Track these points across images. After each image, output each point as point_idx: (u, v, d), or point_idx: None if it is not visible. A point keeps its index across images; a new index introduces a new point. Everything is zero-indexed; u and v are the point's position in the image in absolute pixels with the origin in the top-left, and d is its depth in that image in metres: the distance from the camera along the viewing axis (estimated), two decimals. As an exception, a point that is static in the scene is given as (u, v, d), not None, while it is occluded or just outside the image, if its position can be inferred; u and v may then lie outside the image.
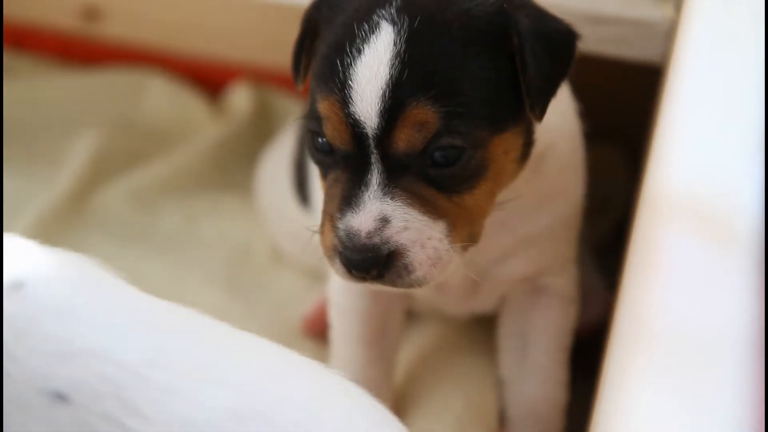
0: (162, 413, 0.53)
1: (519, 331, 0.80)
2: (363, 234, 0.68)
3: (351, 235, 0.68)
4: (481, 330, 0.85)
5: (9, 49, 1.35)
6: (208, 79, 1.27)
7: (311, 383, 0.61)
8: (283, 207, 1.00)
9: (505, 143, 0.68)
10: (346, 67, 0.68)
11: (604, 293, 0.89)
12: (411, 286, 0.70)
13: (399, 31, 0.66)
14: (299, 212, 0.97)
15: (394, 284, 0.69)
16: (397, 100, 0.65)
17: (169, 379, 0.55)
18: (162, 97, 1.21)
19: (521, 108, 0.68)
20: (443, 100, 0.65)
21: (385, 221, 0.69)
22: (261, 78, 1.24)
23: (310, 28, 0.74)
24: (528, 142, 0.69)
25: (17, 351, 0.57)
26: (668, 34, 0.79)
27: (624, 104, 0.99)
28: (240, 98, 1.18)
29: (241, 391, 0.56)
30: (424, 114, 0.66)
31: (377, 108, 0.66)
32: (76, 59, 1.37)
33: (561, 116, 0.74)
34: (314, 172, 0.86)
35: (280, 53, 1.04)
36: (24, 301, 0.59)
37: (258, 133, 1.17)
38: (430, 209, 0.69)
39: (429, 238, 0.69)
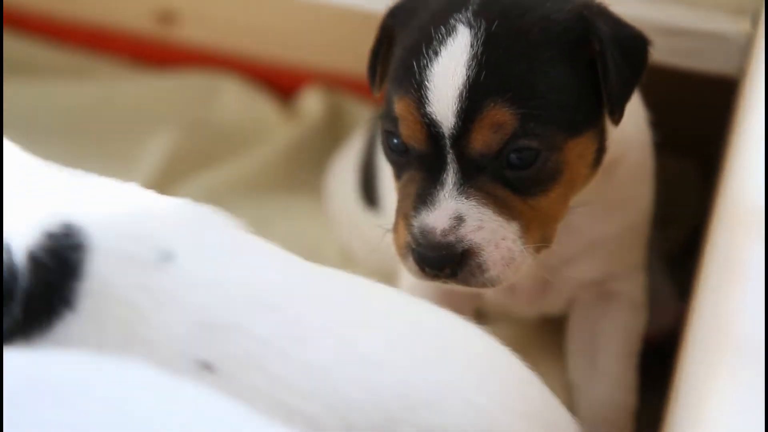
0: (321, 391, 0.54)
1: (588, 335, 0.81)
2: (438, 232, 0.69)
3: (426, 232, 0.70)
4: (550, 332, 0.85)
5: (85, 51, 1.41)
6: (280, 83, 1.30)
7: (479, 366, 0.60)
8: (351, 209, 1.02)
9: (580, 147, 0.68)
10: (423, 69, 0.69)
11: (674, 301, 0.89)
12: (484, 285, 0.70)
13: (476, 34, 0.68)
14: (365, 214, 0.98)
15: (467, 283, 0.70)
16: (474, 101, 0.67)
17: (323, 357, 0.56)
18: (235, 100, 1.25)
19: (596, 113, 0.69)
20: (520, 102, 0.66)
21: (460, 220, 0.70)
22: (333, 82, 1.27)
23: (386, 36, 0.76)
24: (601, 148, 0.70)
25: (158, 318, 0.61)
26: (745, 47, 0.79)
27: (697, 116, 0.99)
28: (312, 102, 1.22)
29: (407, 376, 0.56)
30: (501, 115, 0.67)
31: (454, 108, 0.67)
32: (151, 62, 1.41)
33: (633, 125, 0.75)
34: (383, 173, 0.90)
35: (353, 58, 1.07)
36: (174, 273, 0.63)
37: (329, 136, 1.21)
38: (505, 210, 0.70)
39: (503, 239, 0.70)
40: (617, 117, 0.66)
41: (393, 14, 0.76)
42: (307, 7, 1.25)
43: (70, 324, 0.64)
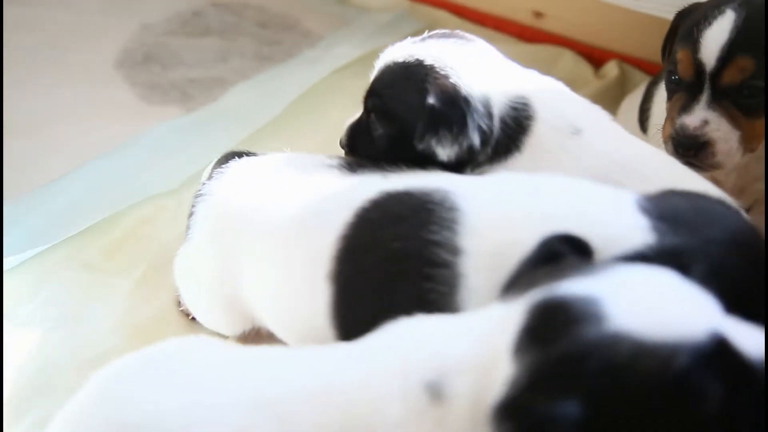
0: None
1: None
2: (691, 128, 0.94)
3: (684, 127, 0.94)
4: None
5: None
6: (596, 60, 1.65)
7: None
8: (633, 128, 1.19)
9: None
10: (700, 32, 0.92)
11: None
12: (712, 166, 0.95)
13: (738, 16, 0.91)
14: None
15: (702, 162, 0.94)
16: (729, 53, 0.91)
17: None
18: (569, 65, 1.61)
19: None
20: (757, 57, 0.90)
21: (705, 123, 0.94)
22: (626, 59, 1.59)
23: (674, 27, 1.03)
24: None
25: (566, 164, 0.86)
26: None
27: None
28: (613, 69, 1.58)
29: None
30: (745, 63, 0.92)
31: (717, 56, 0.92)
32: (526, 41, 1.72)
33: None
34: (657, 100, 1.15)
35: (639, 45, 1.54)
36: (580, 140, 0.86)
37: (621, 90, 1.53)
38: (734, 123, 0.93)
39: (729, 139, 0.94)
40: None
41: (680, 14, 1.03)
42: (618, 11, 1.55)
43: (518, 160, 0.89)
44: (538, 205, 0.74)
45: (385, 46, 1.01)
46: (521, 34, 1.76)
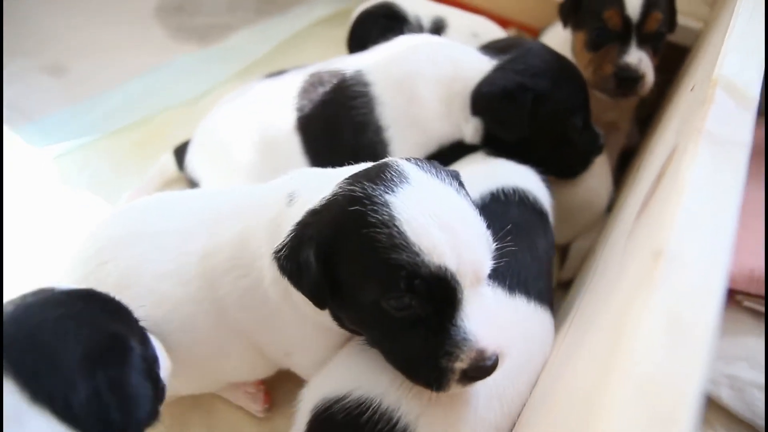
0: None
1: None
2: (632, 66, 1.23)
3: (627, 65, 1.23)
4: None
5: None
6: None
7: None
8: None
9: None
10: None
11: None
12: (636, 95, 1.25)
13: None
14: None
15: (634, 93, 1.24)
16: (647, 8, 1.20)
17: None
18: None
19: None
20: (663, 12, 1.22)
21: (640, 60, 1.23)
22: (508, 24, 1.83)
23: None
24: None
25: None
26: None
27: None
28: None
29: None
30: (658, 15, 1.22)
31: (639, 11, 1.20)
32: None
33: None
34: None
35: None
36: None
37: None
38: (652, 56, 1.25)
39: (651, 72, 1.24)
40: None
41: None
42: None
43: None
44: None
45: (356, 5, 1.44)
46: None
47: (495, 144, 1.14)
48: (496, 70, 1.12)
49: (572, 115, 1.12)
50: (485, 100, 1.11)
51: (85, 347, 0.66)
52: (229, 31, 2.04)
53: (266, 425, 1.10)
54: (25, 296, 0.70)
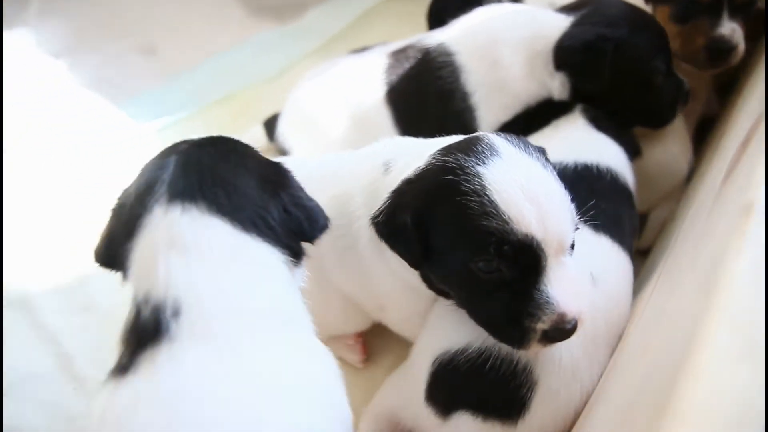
0: None
1: None
2: (726, 36, 1.24)
3: (721, 36, 1.24)
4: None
5: None
6: None
7: None
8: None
9: None
10: None
11: None
12: (729, 65, 1.25)
13: None
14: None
15: (727, 63, 1.25)
16: None
17: None
18: None
19: None
20: None
21: (734, 31, 1.24)
22: None
23: None
24: None
25: None
26: None
27: None
28: None
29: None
30: None
31: None
32: None
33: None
34: None
35: None
36: None
37: None
38: (743, 26, 1.25)
39: (742, 43, 1.25)
40: None
41: None
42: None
43: None
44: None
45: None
46: None
47: (583, 97, 1.18)
48: (575, 25, 1.17)
49: (654, 59, 1.16)
50: (567, 53, 1.16)
51: (258, 177, 0.76)
52: (304, 9, 2.11)
53: (364, 374, 1.19)
54: (177, 145, 0.83)
